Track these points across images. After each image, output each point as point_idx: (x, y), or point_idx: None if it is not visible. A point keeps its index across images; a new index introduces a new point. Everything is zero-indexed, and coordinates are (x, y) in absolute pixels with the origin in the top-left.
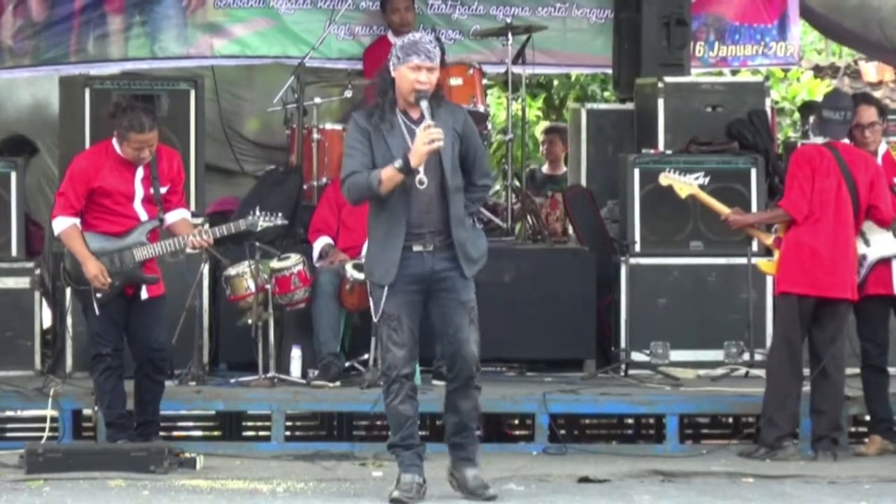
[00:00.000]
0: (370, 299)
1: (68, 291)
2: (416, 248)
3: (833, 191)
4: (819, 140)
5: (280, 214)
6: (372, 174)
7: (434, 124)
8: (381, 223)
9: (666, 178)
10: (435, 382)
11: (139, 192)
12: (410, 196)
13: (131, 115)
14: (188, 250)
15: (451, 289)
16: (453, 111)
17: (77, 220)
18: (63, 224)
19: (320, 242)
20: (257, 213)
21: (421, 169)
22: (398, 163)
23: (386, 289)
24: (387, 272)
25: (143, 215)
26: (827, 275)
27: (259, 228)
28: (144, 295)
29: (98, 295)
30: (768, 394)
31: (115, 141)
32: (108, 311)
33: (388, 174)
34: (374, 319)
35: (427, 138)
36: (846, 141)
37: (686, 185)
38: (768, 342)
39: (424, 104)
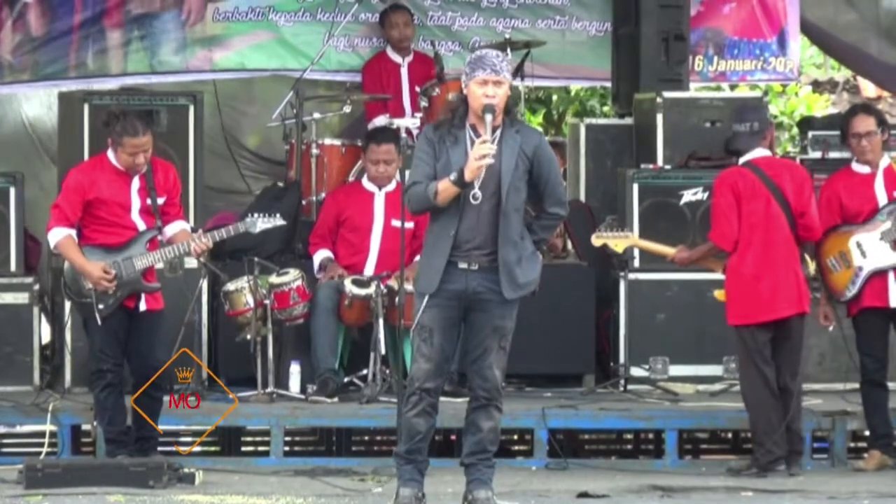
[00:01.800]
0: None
1: (67, 306)
2: (461, 265)
3: (761, 211)
4: (740, 160)
5: (278, 215)
6: (430, 185)
7: (488, 140)
8: (432, 234)
9: (598, 238)
10: None
11: (136, 202)
12: (463, 210)
13: (124, 121)
14: (189, 258)
15: (487, 311)
16: (526, 133)
17: (72, 231)
18: (58, 235)
19: (320, 255)
20: (255, 215)
21: (476, 183)
22: (453, 175)
23: (426, 298)
24: (430, 282)
25: (141, 225)
26: (773, 298)
27: (258, 230)
28: (143, 306)
29: (100, 306)
30: (753, 422)
31: (109, 152)
32: (109, 325)
33: (444, 186)
34: (411, 329)
35: (478, 153)
36: (764, 153)
37: (621, 239)
38: None
39: (489, 118)
